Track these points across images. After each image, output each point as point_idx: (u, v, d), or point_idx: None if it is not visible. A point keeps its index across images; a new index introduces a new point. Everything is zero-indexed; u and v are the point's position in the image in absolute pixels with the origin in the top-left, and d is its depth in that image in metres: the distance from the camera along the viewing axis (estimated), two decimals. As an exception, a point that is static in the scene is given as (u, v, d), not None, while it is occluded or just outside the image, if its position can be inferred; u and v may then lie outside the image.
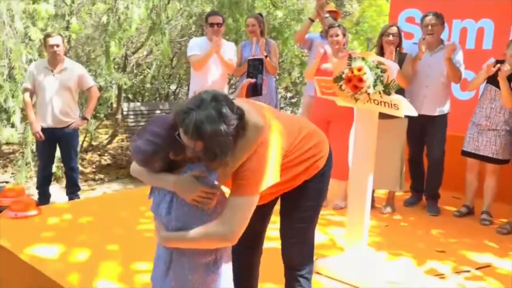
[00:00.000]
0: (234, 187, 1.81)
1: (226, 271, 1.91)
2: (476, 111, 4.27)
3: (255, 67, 4.54)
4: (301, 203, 2.16)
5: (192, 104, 1.65)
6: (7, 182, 6.27)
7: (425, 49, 4.22)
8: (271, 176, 1.84)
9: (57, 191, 5.74)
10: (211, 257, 1.83)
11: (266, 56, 4.93)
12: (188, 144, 1.66)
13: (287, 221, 2.20)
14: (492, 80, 4.09)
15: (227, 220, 1.75)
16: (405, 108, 2.85)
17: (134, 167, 1.91)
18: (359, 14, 15.03)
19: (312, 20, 5.17)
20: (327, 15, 5.02)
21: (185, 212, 1.77)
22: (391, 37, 4.14)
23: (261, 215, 2.25)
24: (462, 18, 5.29)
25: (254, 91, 4.57)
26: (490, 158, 4.16)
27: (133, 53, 8.76)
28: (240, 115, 1.72)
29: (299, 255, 2.24)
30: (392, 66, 2.80)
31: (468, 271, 3.30)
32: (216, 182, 1.77)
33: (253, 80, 4.56)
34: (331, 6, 5.91)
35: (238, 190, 1.79)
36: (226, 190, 1.90)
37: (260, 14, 5.36)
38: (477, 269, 3.35)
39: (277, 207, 2.27)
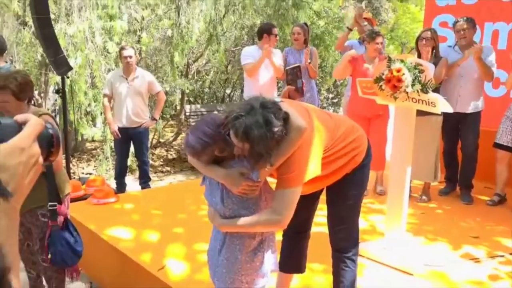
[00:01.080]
0: (280, 181, 1.84)
1: (270, 253, 1.93)
2: (510, 106, 4.05)
3: (293, 74, 4.53)
4: (345, 193, 2.13)
5: (243, 110, 1.67)
6: (90, 174, 6.50)
7: (467, 54, 4.03)
8: (312, 170, 1.85)
9: (131, 181, 5.88)
10: (258, 239, 1.86)
11: (309, 63, 4.86)
12: (237, 144, 1.70)
13: (333, 209, 2.19)
14: None
15: (276, 209, 1.80)
16: (442, 105, 2.72)
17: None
18: (393, 21, 14.60)
19: (350, 29, 5.07)
20: (365, 22, 4.89)
21: (234, 201, 1.81)
22: (424, 41, 4.02)
23: (308, 204, 2.25)
24: (494, 21, 5.01)
25: (297, 94, 4.54)
26: None
27: (194, 61, 8.87)
28: (285, 119, 1.73)
29: (345, 240, 2.22)
30: (429, 67, 2.68)
31: (502, 256, 3.13)
32: (258, 177, 1.78)
33: (292, 87, 4.57)
34: (367, 14, 5.75)
35: (283, 184, 1.82)
36: (270, 180, 1.93)
37: (306, 24, 5.27)
38: (510, 254, 3.16)
39: (323, 196, 2.23)
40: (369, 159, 2.16)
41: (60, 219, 2.49)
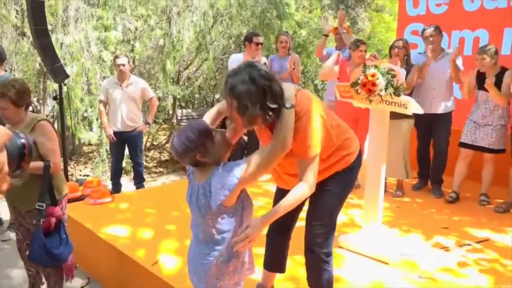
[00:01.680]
0: (297, 153, 1.85)
1: (246, 258, 1.87)
2: (473, 111, 4.11)
3: None
4: (330, 191, 2.08)
5: (232, 72, 1.73)
6: (87, 176, 6.44)
7: (431, 57, 4.11)
8: (317, 140, 1.86)
9: (126, 182, 5.83)
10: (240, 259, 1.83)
11: (293, 69, 4.87)
12: (228, 102, 1.73)
13: (316, 205, 2.11)
14: (481, 86, 3.94)
15: (304, 179, 1.84)
16: (413, 107, 2.75)
17: None
18: (370, 30, 14.72)
19: (326, 35, 5.06)
20: (344, 31, 4.91)
21: (213, 212, 1.75)
22: (396, 50, 4.08)
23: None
24: (460, 29, 5.09)
25: None
26: (487, 148, 3.99)
27: (185, 69, 8.85)
28: (269, 79, 1.72)
29: (322, 236, 2.10)
30: (401, 72, 2.71)
31: (469, 245, 3.18)
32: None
33: None
34: (345, 25, 5.78)
35: (300, 155, 1.86)
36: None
37: (287, 32, 5.29)
38: (477, 242, 3.22)
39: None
40: (359, 162, 2.13)
41: (52, 220, 2.44)
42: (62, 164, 4.22)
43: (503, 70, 3.93)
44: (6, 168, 0.63)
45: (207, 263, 1.77)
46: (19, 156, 0.67)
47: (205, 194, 1.73)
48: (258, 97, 1.67)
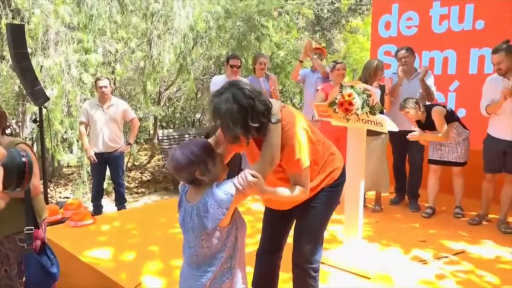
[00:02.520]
0: (288, 168, 1.90)
1: (239, 277, 1.80)
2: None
3: None
4: (316, 208, 2.09)
5: (216, 92, 1.74)
6: (67, 198, 6.30)
7: (402, 77, 4.24)
8: (305, 152, 1.87)
9: (108, 203, 5.73)
10: (227, 266, 1.75)
11: (273, 89, 4.99)
12: (215, 122, 1.74)
13: (303, 222, 2.12)
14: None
15: (300, 185, 1.89)
16: (389, 125, 2.82)
17: None
18: (345, 50, 15.08)
19: (301, 62, 5.16)
20: (315, 55, 5.02)
21: (207, 232, 1.70)
22: (380, 71, 4.15)
23: (283, 223, 2.21)
24: (429, 50, 5.28)
25: None
26: (455, 162, 4.09)
27: (166, 89, 8.86)
28: (252, 97, 1.72)
29: (310, 252, 2.12)
30: (375, 92, 2.79)
31: (446, 257, 3.23)
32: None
33: None
34: (317, 45, 5.92)
35: (291, 170, 1.90)
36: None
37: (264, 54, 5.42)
38: (453, 254, 3.28)
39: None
40: (344, 177, 2.15)
41: (38, 243, 2.38)
42: (42, 186, 4.13)
43: (428, 109, 4.02)
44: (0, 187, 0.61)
45: (200, 285, 1.72)
46: (19, 174, 0.67)
47: (198, 214, 1.69)
48: (239, 116, 1.67)
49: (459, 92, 5.09)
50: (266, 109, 1.77)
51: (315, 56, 4.99)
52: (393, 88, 4.25)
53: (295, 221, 2.17)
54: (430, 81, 4.33)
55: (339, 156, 2.17)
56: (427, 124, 4.04)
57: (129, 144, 5.03)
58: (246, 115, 1.69)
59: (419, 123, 4.09)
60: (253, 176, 1.68)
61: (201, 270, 1.73)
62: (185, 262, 1.82)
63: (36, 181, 2.41)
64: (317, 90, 4.54)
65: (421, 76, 4.20)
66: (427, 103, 4.39)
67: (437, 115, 3.94)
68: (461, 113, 4.91)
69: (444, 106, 4.12)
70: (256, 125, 1.72)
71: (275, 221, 2.21)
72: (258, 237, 2.33)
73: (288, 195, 1.88)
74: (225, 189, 1.67)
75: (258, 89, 1.80)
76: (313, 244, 2.12)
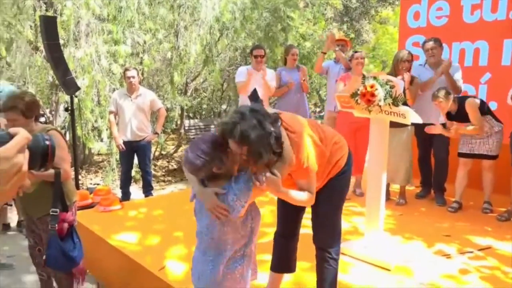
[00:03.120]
0: (297, 176, 1.93)
1: (249, 264, 1.88)
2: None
3: (253, 99, 4.67)
4: (329, 196, 2.15)
5: (235, 118, 1.65)
6: (97, 184, 6.51)
7: (440, 71, 4.16)
8: (311, 158, 1.90)
9: (135, 190, 5.88)
10: (240, 253, 1.82)
11: (304, 80, 5.02)
12: (236, 150, 1.66)
13: (318, 211, 2.20)
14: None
15: (307, 190, 1.93)
16: (412, 116, 2.78)
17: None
18: (374, 41, 14.78)
19: (324, 53, 5.14)
20: (338, 47, 5.00)
21: (220, 223, 1.76)
22: (406, 63, 4.08)
23: (296, 212, 2.28)
24: (460, 41, 5.13)
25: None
26: (485, 155, 3.99)
27: (192, 80, 8.96)
28: (274, 119, 1.73)
29: (328, 238, 2.22)
30: (399, 83, 2.75)
31: (471, 252, 3.18)
32: (234, 199, 1.72)
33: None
34: (341, 36, 5.87)
35: (300, 177, 1.93)
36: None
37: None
38: (479, 250, 3.21)
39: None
40: (350, 164, 2.20)
41: (65, 225, 2.50)
42: (73, 173, 4.30)
43: (462, 101, 3.93)
44: (25, 168, 0.67)
45: (213, 270, 1.78)
46: (42, 156, 0.73)
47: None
48: (268, 143, 1.65)
49: (491, 84, 4.94)
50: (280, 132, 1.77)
51: (337, 48, 4.97)
52: (427, 83, 4.21)
53: (311, 209, 2.22)
54: (458, 75, 4.24)
55: (343, 143, 2.18)
56: (457, 116, 3.94)
57: (156, 133, 5.12)
58: (271, 142, 1.67)
59: (448, 115, 4.01)
60: (272, 173, 1.71)
61: (214, 255, 1.79)
62: (198, 249, 1.89)
63: (66, 166, 2.53)
64: (336, 81, 4.53)
65: (441, 70, 4.12)
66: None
67: (471, 107, 3.84)
68: (492, 106, 4.74)
69: (476, 98, 4.01)
70: (280, 150, 1.74)
71: (288, 210, 2.27)
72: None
73: (298, 199, 1.93)
74: (244, 184, 1.71)
75: (267, 111, 1.76)
76: (329, 230, 2.21)
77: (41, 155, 0.73)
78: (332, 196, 2.17)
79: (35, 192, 2.46)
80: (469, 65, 5.03)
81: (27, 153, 0.68)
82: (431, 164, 4.54)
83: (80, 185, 5.40)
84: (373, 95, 2.67)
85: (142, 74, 6.98)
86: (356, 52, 4.47)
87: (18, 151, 0.65)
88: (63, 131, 6.66)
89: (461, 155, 4.13)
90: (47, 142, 0.74)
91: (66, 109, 5.03)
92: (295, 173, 1.91)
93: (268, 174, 1.70)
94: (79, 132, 5.93)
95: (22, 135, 0.67)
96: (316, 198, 2.15)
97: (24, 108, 2.42)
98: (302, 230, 2.41)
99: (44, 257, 2.45)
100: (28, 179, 0.69)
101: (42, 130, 2.53)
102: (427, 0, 5.42)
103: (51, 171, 2.43)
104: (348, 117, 4.11)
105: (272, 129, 1.67)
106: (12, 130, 0.68)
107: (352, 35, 12.98)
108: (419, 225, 3.74)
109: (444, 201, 4.33)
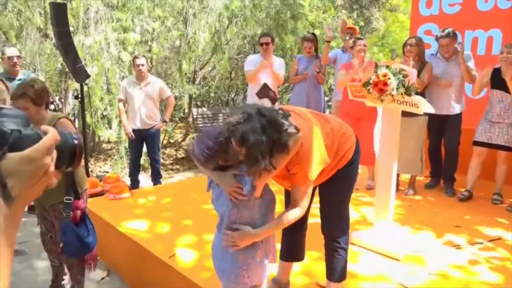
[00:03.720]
0: (292, 181, 1.91)
1: (269, 248, 1.94)
2: (487, 111, 4.05)
3: (262, 93, 4.61)
4: (337, 187, 2.16)
5: (242, 117, 1.64)
6: (107, 172, 6.55)
7: (462, 62, 4.10)
8: (316, 166, 1.88)
9: (144, 178, 5.91)
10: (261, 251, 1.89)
11: (318, 72, 4.95)
12: (237, 149, 1.65)
13: (326, 202, 2.21)
14: (496, 84, 3.89)
15: (297, 205, 1.92)
16: (425, 106, 2.74)
17: None
18: (384, 29, 14.58)
19: (328, 41, 5.06)
20: (347, 37, 4.93)
21: (240, 207, 1.82)
22: (409, 47, 4.08)
23: None
24: (473, 29, 5.03)
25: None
26: (503, 146, 3.94)
27: (200, 68, 8.92)
28: (278, 130, 1.67)
29: (337, 228, 2.23)
30: (412, 72, 2.71)
31: (481, 243, 3.16)
32: (249, 184, 1.76)
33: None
34: (350, 24, 5.77)
35: (295, 182, 1.91)
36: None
37: (314, 34, 5.29)
38: (489, 241, 3.19)
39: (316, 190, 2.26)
40: (358, 155, 2.19)
41: (78, 213, 2.52)
42: (83, 160, 4.32)
43: None
44: (52, 169, 0.66)
45: (234, 252, 1.82)
46: (71, 156, 0.72)
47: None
48: (267, 149, 1.62)
49: (504, 74, 4.84)
50: (287, 136, 1.71)
51: (346, 38, 4.90)
52: (440, 81, 4.17)
53: (319, 199, 2.23)
54: (471, 63, 4.18)
55: (350, 133, 2.16)
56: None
57: (165, 121, 5.13)
58: (272, 148, 1.65)
59: (495, 77, 3.85)
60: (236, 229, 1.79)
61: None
62: (217, 238, 1.92)
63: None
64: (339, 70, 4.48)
65: (461, 55, 4.06)
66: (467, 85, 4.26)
67: None
68: (504, 96, 4.68)
69: None
70: (275, 165, 1.73)
71: None
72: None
73: (284, 224, 1.93)
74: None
75: (276, 114, 1.72)
76: (338, 221, 2.23)
77: (69, 154, 0.72)
78: (340, 186, 2.17)
79: (49, 182, 2.47)
80: (482, 54, 4.94)
81: (54, 153, 0.67)
82: (441, 154, 4.50)
83: (90, 173, 5.44)
84: (385, 84, 2.64)
85: (151, 62, 6.96)
86: (358, 39, 4.37)
87: (46, 153, 0.64)
88: (72, 119, 6.70)
89: (477, 143, 4.08)
90: (76, 141, 0.73)
91: (76, 97, 5.05)
92: (295, 176, 1.89)
93: (237, 232, 1.78)
94: (88, 119, 5.96)
95: (50, 136, 0.66)
96: (324, 188, 2.18)
97: (34, 95, 2.42)
98: (310, 220, 2.41)
99: (61, 244, 2.48)
100: (55, 177, 0.68)
101: (53, 118, 2.53)
102: (440, -13, 5.30)
103: None
104: (350, 107, 4.09)
105: (275, 136, 1.63)
106: (42, 128, 0.67)
107: (362, 23, 12.79)
108: (429, 215, 3.72)
109: (453, 192, 4.31)
